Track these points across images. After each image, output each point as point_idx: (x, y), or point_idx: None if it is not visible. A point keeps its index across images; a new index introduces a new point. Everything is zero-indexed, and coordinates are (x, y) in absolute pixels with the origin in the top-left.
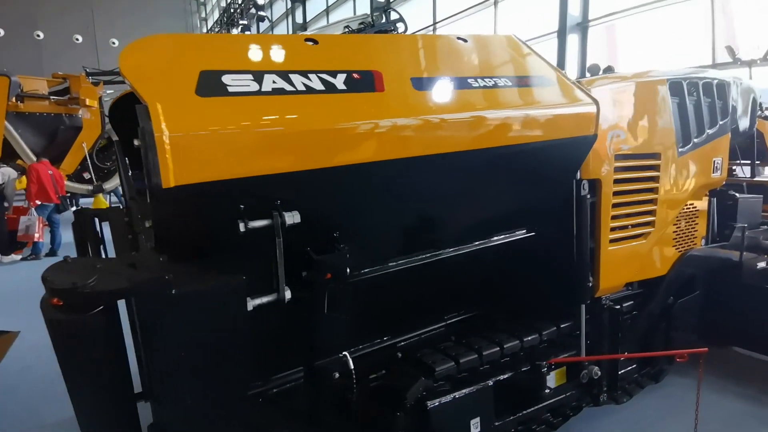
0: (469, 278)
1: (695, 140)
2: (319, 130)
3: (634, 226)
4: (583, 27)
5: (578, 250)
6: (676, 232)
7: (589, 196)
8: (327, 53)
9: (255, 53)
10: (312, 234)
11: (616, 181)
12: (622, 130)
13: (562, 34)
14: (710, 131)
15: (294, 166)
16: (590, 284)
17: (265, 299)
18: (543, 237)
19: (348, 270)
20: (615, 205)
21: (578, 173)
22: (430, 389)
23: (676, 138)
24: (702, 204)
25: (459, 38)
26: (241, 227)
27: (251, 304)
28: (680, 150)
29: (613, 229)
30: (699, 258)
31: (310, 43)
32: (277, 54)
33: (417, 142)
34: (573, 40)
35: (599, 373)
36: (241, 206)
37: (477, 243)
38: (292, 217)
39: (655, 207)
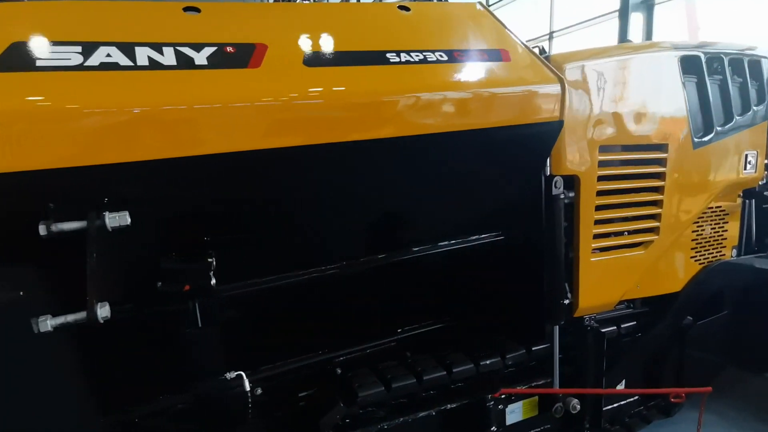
0: (429, 286)
1: (719, 129)
2: (140, 113)
3: (629, 233)
4: (648, 5)
5: (550, 261)
6: (696, 240)
7: (564, 196)
8: (206, 23)
9: (101, 22)
10: (177, 238)
11: (602, 178)
12: (611, 115)
13: (624, 14)
14: (741, 119)
15: (111, 157)
16: (567, 302)
17: (71, 318)
18: (513, 242)
19: (213, 281)
20: (600, 207)
21: (548, 168)
22: (355, 416)
23: (693, 126)
24: (733, 207)
25: (401, 7)
26: (42, 230)
27: (48, 324)
28: (697, 140)
29: (598, 237)
30: (727, 271)
31: (191, 13)
32: (133, 23)
33: (292, 127)
34: (637, 20)
35: (578, 407)
36: (51, 204)
37: (429, 246)
38: (116, 219)
39: (659, 210)
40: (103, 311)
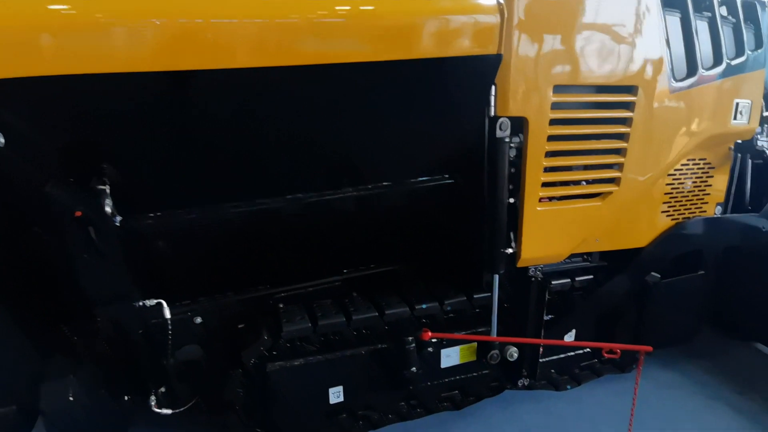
0: (380, 228)
1: (704, 73)
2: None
3: (587, 182)
4: None
5: (492, 208)
6: (671, 194)
7: (510, 139)
8: None
9: None
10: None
11: (555, 122)
12: (569, 51)
13: None
14: (732, 63)
15: None
16: (511, 251)
17: None
18: (463, 187)
19: (108, 208)
20: (551, 154)
21: (492, 108)
22: (283, 349)
23: (673, 67)
24: (720, 160)
25: None
26: None
27: None
28: (675, 84)
29: (547, 185)
30: (705, 227)
31: None
32: None
33: (175, 49)
34: None
35: (516, 355)
36: None
37: (376, 185)
38: None
39: (621, 159)
40: None
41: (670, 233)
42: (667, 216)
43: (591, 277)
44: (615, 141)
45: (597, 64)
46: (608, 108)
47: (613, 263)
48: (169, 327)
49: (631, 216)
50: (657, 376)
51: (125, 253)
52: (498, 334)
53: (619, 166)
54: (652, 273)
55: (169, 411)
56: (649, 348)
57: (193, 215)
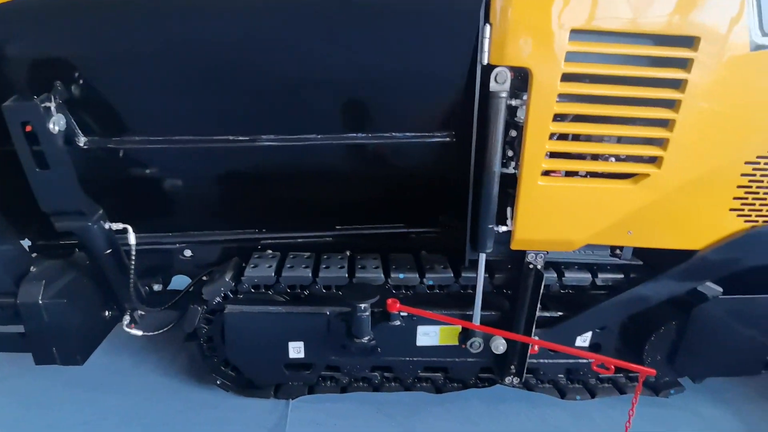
0: (379, 186)
1: None
2: None
3: (617, 159)
4: None
5: (479, 176)
6: (749, 189)
7: (507, 95)
8: None
9: None
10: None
11: (570, 78)
12: None
13: None
14: None
15: None
16: (504, 229)
17: None
18: (457, 148)
19: (56, 128)
20: (561, 118)
21: (485, 54)
22: (245, 293)
23: (762, 16)
24: None
25: None
26: None
27: None
28: (760, 40)
29: (555, 155)
30: None
31: None
32: None
33: None
34: None
35: (501, 348)
36: None
37: (376, 135)
38: None
39: (666, 134)
40: None
41: (743, 238)
42: (739, 215)
43: (621, 276)
44: (658, 109)
45: (637, 4)
46: (652, 64)
47: (651, 263)
48: (133, 253)
49: (681, 209)
50: (703, 411)
51: (96, 174)
52: (489, 322)
53: (663, 143)
54: (710, 284)
55: (139, 332)
56: (652, 371)
57: (184, 146)
